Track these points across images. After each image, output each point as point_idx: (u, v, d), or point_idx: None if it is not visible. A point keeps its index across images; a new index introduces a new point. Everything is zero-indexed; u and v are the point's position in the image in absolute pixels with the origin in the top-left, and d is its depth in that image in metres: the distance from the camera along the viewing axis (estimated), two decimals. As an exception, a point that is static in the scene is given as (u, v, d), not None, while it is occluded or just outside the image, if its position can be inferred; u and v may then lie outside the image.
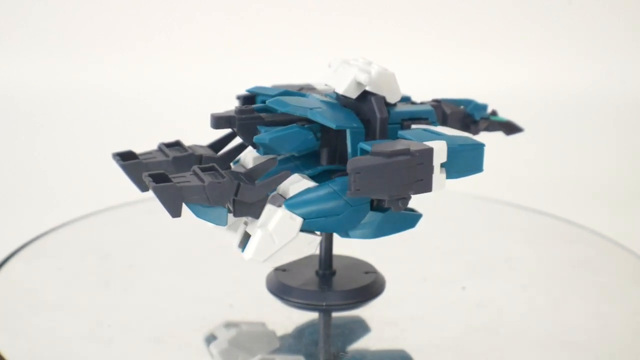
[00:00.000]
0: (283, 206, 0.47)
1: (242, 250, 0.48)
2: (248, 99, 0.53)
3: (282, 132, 0.48)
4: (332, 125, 0.48)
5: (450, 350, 0.52)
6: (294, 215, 0.47)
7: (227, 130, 0.52)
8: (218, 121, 0.49)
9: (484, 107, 0.58)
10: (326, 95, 0.52)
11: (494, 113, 0.59)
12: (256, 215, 0.47)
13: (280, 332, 0.53)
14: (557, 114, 1.17)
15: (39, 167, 1.04)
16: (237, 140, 0.52)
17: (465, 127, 0.56)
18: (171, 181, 0.44)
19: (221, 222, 0.46)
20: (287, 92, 0.51)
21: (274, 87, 0.54)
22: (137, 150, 0.53)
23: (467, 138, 0.49)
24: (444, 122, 0.55)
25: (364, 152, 0.47)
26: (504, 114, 0.60)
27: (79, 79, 1.19)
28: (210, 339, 0.52)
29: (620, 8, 1.22)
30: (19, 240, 0.65)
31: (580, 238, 0.70)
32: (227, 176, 0.45)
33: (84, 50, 1.22)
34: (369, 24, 1.24)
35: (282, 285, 0.54)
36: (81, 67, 1.20)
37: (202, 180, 0.45)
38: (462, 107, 0.56)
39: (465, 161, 0.48)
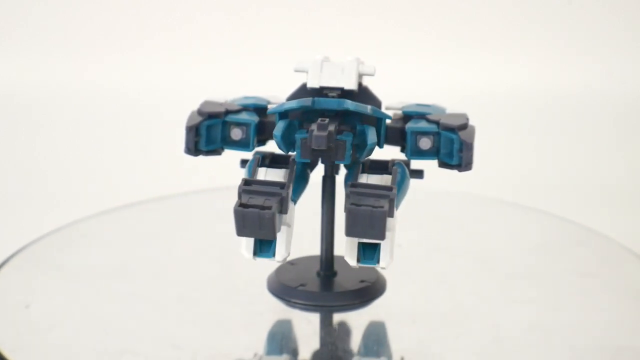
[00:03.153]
0: None
1: (362, 263, 0.48)
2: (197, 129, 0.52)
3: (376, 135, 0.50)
4: (389, 119, 0.50)
5: (452, 350, 0.52)
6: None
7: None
8: (328, 141, 0.46)
9: None
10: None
11: None
12: None
13: (280, 333, 0.53)
14: (557, 114, 1.17)
15: (39, 167, 1.04)
16: None
17: None
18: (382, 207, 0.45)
19: None
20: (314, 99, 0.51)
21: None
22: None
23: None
24: None
25: (414, 134, 0.50)
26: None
27: (79, 78, 1.19)
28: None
29: (620, 8, 1.22)
30: (18, 241, 0.65)
31: (581, 238, 0.70)
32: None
33: (84, 50, 1.22)
34: (369, 24, 1.24)
35: (283, 286, 0.54)
36: (81, 67, 1.20)
37: (387, 197, 0.45)
38: None
39: None
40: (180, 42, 1.23)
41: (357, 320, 0.54)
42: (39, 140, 1.11)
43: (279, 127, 0.49)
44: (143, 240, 0.68)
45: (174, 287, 0.59)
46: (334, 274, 0.55)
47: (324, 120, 0.47)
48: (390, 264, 0.48)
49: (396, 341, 0.53)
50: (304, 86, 0.52)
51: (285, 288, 0.54)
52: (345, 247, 0.48)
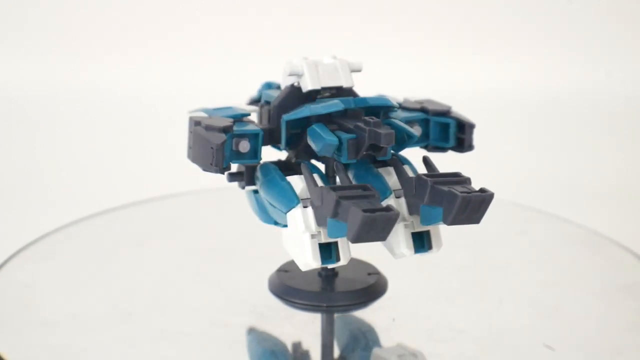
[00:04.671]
0: None
1: (417, 252, 0.48)
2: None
3: None
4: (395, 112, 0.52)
5: (453, 350, 0.52)
6: None
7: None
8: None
9: None
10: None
11: None
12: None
13: (281, 333, 0.53)
14: (557, 114, 1.17)
15: (38, 167, 1.04)
16: None
17: None
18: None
19: None
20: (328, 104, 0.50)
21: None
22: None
23: None
24: None
25: (407, 124, 0.51)
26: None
27: (78, 79, 1.19)
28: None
29: (620, 8, 1.22)
30: (18, 241, 0.65)
31: (581, 238, 0.70)
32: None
33: (84, 50, 1.22)
34: (366, 24, 1.24)
35: (285, 286, 0.54)
36: (81, 67, 1.20)
37: (465, 182, 0.46)
38: None
39: None
40: (180, 42, 1.23)
41: (371, 317, 0.54)
42: (38, 141, 1.12)
43: (328, 132, 0.48)
44: (143, 241, 0.68)
45: (174, 289, 0.59)
46: (335, 274, 0.55)
47: (372, 119, 0.46)
48: (441, 248, 0.49)
49: (455, 319, 0.54)
50: (294, 89, 0.51)
51: (286, 289, 0.54)
52: (400, 240, 0.48)
